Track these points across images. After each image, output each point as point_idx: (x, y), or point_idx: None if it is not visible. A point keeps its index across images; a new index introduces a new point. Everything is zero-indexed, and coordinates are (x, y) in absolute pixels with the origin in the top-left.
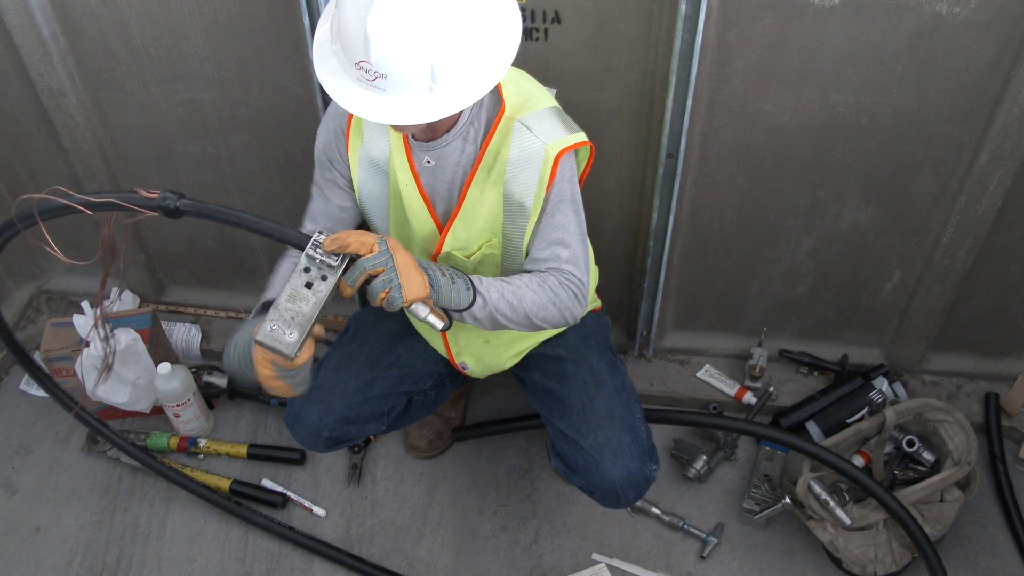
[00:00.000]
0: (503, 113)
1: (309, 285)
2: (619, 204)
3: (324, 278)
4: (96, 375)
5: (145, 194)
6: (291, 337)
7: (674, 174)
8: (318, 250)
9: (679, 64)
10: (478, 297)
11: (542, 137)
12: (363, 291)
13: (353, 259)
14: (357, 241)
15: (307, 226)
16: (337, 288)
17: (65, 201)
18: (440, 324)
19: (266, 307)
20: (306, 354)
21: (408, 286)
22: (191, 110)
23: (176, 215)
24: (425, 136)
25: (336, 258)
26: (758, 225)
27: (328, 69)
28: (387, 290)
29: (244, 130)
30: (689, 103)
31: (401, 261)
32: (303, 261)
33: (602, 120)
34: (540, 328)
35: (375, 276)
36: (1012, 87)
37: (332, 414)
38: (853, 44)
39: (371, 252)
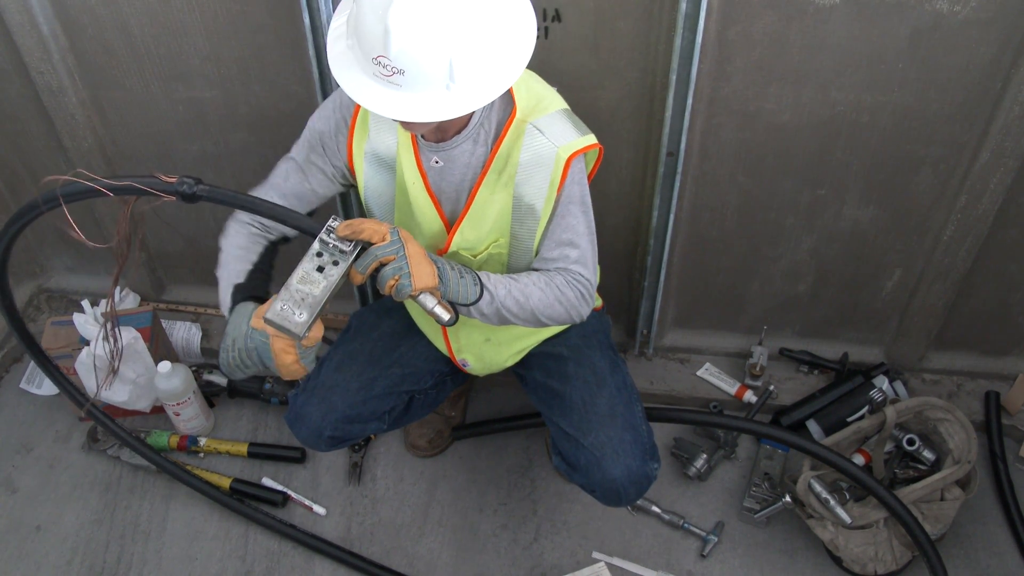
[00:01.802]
0: (515, 115)
1: (321, 269)
2: (619, 202)
3: (336, 263)
4: (105, 372)
5: (164, 178)
6: (300, 317)
7: (674, 172)
8: (331, 235)
9: (679, 62)
10: (485, 292)
11: (554, 140)
12: (372, 279)
13: (365, 247)
14: (371, 229)
15: (270, 196)
16: (347, 274)
17: (89, 183)
18: (446, 316)
19: (239, 292)
20: (316, 333)
21: (418, 275)
22: (191, 108)
23: (193, 200)
24: (435, 137)
25: (349, 244)
26: (758, 223)
27: (342, 63)
28: (396, 277)
29: (244, 128)
30: (689, 101)
31: (412, 250)
32: (316, 246)
33: (602, 118)
34: (546, 325)
35: (386, 264)
36: (1013, 85)
37: (334, 413)
38: (854, 42)
39: (383, 240)
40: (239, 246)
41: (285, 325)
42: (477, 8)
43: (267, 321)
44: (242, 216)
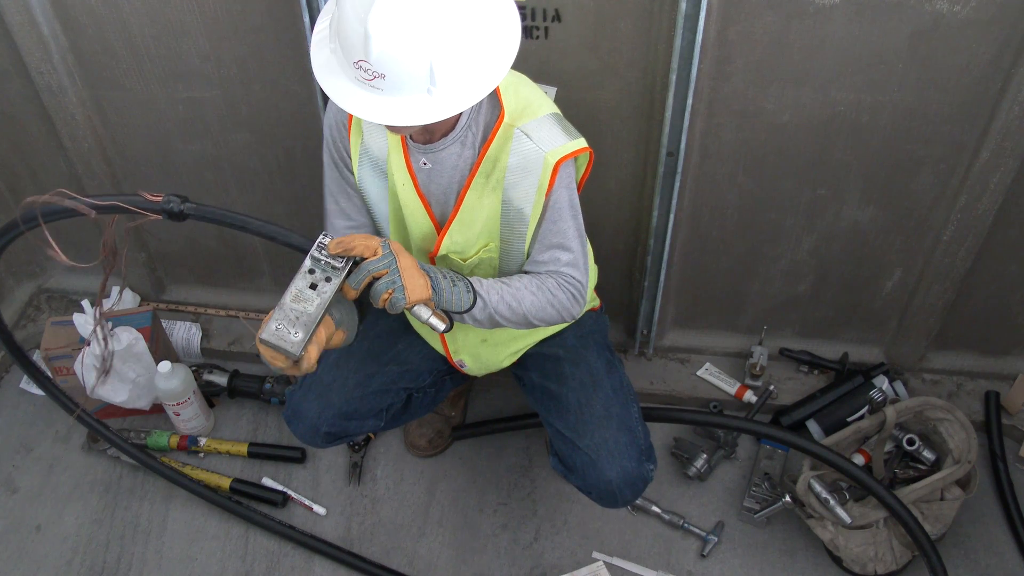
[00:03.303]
0: (502, 120)
1: (314, 286)
2: (619, 202)
3: (328, 280)
4: (95, 377)
5: (149, 197)
6: (296, 336)
7: (674, 172)
8: (323, 252)
9: (679, 62)
10: (478, 299)
11: (542, 145)
12: (366, 294)
13: (357, 262)
14: (362, 244)
15: (340, 225)
16: (341, 290)
17: (69, 204)
18: (442, 326)
19: None
20: (313, 353)
21: (411, 288)
22: (191, 108)
23: (180, 218)
24: (422, 138)
25: (341, 260)
26: (758, 223)
27: (326, 67)
28: (390, 291)
29: (244, 128)
30: (689, 101)
31: (404, 263)
32: (308, 263)
33: (602, 118)
34: (537, 327)
35: (379, 278)
36: (1013, 85)
37: (331, 409)
38: (854, 42)
39: (375, 255)
40: None
41: (281, 345)
42: (458, 12)
43: (263, 342)
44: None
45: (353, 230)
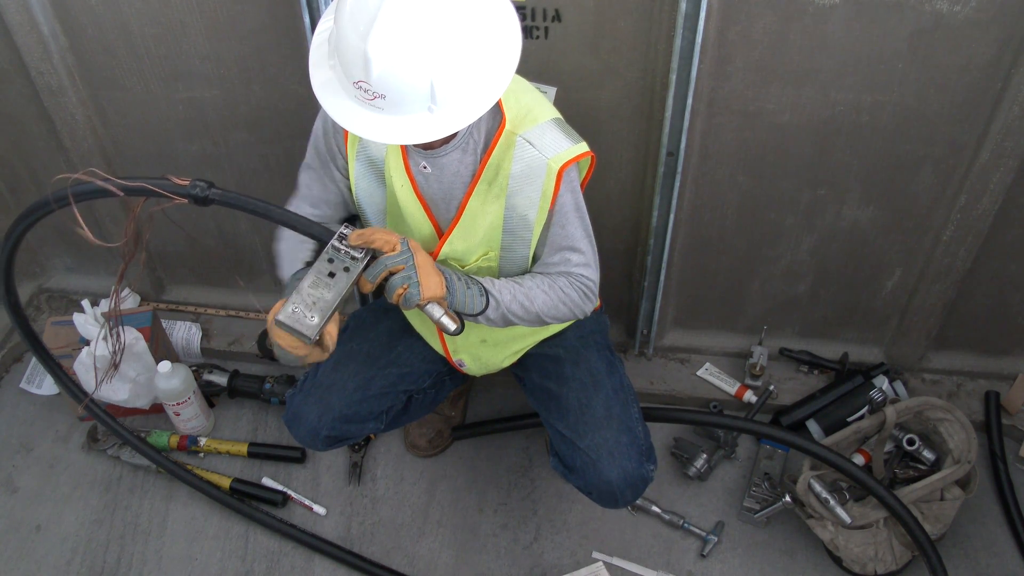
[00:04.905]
0: (503, 127)
1: (332, 275)
2: (619, 202)
3: (347, 270)
4: (105, 368)
5: (177, 181)
6: (312, 320)
7: (674, 172)
8: (343, 243)
9: (679, 62)
10: (491, 300)
11: (544, 151)
12: (380, 288)
13: (375, 255)
14: (382, 238)
15: (305, 210)
16: (357, 282)
17: (101, 184)
18: (452, 326)
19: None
20: (332, 330)
21: (426, 284)
22: (191, 108)
23: (205, 203)
24: (423, 144)
25: (360, 252)
26: (758, 223)
27: (326, 86)
28: (405, 286)
29: (244, 128)
30: (689, 101)
31: (421, 261)
32: (328, 252)
33: (602, 118)
34: (549, 324)
35: (395, 273)
36: (1012, 85)
37: (331, 413)
38: (854, 42)
39: (393, 250)
40: (298, 243)
41: (297, 328)
42: (458, 31)
43: (279, 324)
44: None
45: (316, 219)
